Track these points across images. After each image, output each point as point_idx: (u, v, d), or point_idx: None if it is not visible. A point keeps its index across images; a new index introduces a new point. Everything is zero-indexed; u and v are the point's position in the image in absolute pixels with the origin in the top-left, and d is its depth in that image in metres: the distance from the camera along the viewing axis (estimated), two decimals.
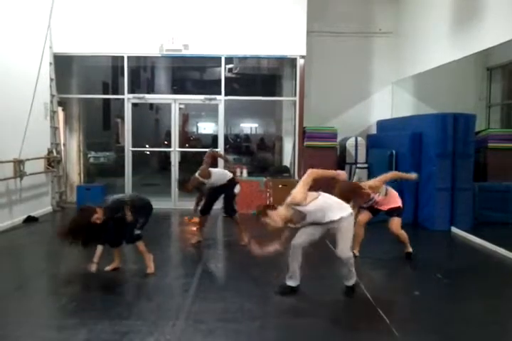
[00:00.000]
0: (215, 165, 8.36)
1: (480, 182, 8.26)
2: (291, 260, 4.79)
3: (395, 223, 6.03)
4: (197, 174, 6.67)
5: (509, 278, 5.71)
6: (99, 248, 5.24)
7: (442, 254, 6.91)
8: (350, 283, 4.83)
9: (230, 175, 6.97)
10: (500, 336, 4.11)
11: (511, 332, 4.34)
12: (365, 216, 6.14)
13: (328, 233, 4.73)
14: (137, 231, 5.37)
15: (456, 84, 9.59)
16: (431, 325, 4.17)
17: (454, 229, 7.83)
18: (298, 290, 4.84)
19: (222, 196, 7.01)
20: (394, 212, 6.05)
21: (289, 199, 4.50)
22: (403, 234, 6.07)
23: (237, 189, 6.99)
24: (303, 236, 4.72)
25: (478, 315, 4.51)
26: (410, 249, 6.17)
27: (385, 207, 6.07)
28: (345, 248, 4.63)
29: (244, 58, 11.24)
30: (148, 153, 14.47)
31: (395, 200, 6.08)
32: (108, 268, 5.51)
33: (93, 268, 5.14)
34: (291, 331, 4.13)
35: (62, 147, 10.16)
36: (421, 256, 6.25)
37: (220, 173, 6.95)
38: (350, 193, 5.38)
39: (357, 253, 6.08)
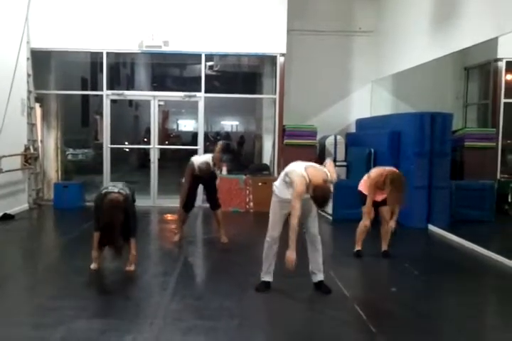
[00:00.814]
0: None
1: (457, 180, 8.36)
2: (267, 254, 4.81)
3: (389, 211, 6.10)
4: (211, 159, 6.68)
5: (485, 274, 5.81)
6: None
7: (419, 251, 6.98)
8: (320, 277, 4.84)
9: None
10: (476, 331, 4.18)
11: (487, 327, 4.43)
12: (372, 210, 6.10)
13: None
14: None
15: (434, 83, 9.69)
16: (408, 321, 4.23)
17: (431, 227, 7.93)
18: (272, 288, 4.87)
19: (203, 191, 6.98)
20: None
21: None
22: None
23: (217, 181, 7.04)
24: (277, 228, 4.73)
25: (454, 310, 4.59)
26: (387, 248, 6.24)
27: (379, 198, 6.09)
28: (315, 225, 4.77)
29: (224, 56, 11.23)
30: (127, 150, 14.37)
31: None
32: (94, 266, 5.40)
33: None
34: (270, 329, 4.15)
35: (40, 144, 10.02)
36: (398, 253, 6.31)
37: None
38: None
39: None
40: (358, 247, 6.24)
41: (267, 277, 4.88)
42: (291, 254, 4.43)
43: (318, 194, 4.38)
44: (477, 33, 6.86)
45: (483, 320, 4.53)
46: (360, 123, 10.72)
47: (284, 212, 4.70)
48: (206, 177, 6.72)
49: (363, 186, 6.20)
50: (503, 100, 8.74)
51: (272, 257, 4.82)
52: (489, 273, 5.85)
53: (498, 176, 8.70)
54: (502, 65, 8.76)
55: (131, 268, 5.39)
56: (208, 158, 6.78)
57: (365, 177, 6.22)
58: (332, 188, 4.76)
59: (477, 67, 9.76)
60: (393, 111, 9.92)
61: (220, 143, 7.23)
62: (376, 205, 6.09)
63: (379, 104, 10.71)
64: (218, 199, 7.03)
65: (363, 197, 6.10)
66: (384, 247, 6.23)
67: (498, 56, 8.63)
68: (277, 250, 4.80)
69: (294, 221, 4.44)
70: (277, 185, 4.83)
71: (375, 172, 6.10)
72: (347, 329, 4.14)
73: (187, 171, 6.69)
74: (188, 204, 6.88)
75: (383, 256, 6.18)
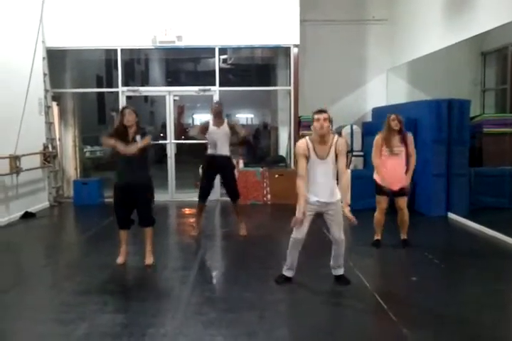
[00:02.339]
0: None
1: (475, 167, 8.26)
2: (291, 252, 4.81)
3: (405, 201, 6.10)
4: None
5: (507, 262, 5.74)
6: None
7: (439, 239, 6.93)
8: (340, 271, 4.87)
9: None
10: (499, 319, 4.14)
11: (510, 314, 4.38)
12: (385, 200, 6.10)
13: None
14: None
15: (450, 69, 9.55)
16: (429, 310, 4.21)
17: (451, 215, 7.87)
18: (292, 281, 4.89)
19: (221, 181, 6.97)
20: (406, 191, 6.08)
21: None
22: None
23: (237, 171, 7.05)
24: (301, 229, 4.73)
25: (477, 298, 4.54)
26: (406, 236, 6.22)
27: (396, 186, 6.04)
28: (340, 230, 4.73)
29: (238, 48, 11.20)
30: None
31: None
32: (120, 260, 5.54)
33: None
34: (291, 320, 4.17)
35: (58, 142, 10.14)
36: (418, 242, 6.28)
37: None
38: None
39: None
40: (376, 236, 6.23)
41: (288, 273, 4.90)
42: (299, 215, 4.50)
43: None
44: (493, 17, 6.74)
45: (506, 308, 4.49)
46: (377, 112, 10.63)
47: (308, 214, 4.69)
48: (222, 165, 6.72)
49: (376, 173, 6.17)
50: None
51: (295, 254, 4.82)
52: (511, 260, 5.79)
53: None
54: None
55: (150, 261, 5.48)
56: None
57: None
58: None
59: (494, 52, 9.58)
60: (409, 99, 9.81)
61: (214, 105, 7.08)
62: (393, 195, 6.05)
63: (395, 93, 10.61)
64: (237, 189, 6.96)
65: (377, 186, 6.08)
66: (403, 236, 6.21)
67: None
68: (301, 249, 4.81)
69: (300, 184, 4.53)
70: None
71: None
72: (368, 319, 4.14)
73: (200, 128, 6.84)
74: (203, 193, 6.85)
75: (403, 244, 6.16)
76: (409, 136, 6.07)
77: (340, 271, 4.88)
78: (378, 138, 6.08)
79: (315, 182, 4.62)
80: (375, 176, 6.14)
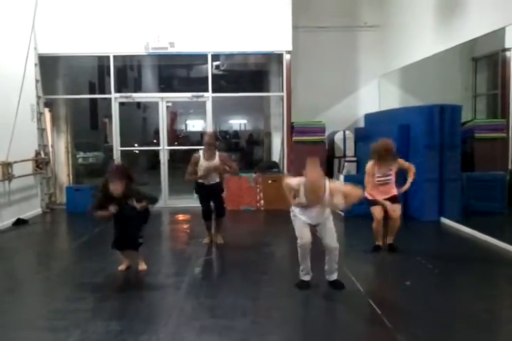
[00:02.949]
0: None
1: (468, 172, 8.31)
2: (303, 257, 4.82)
3: (398, 209, 6.12)
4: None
5: (499, 266, 5.75)
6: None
7: (432, 244, 6.95)
8: (334, 277, 4.88)
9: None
10: (490, 324, 4.14)
11: (501, 319, 4.39)
12: (380, 211, 6.10)
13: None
14: (140, 240, 5.42)
15: (442, 75, 9.62)
16: (423, 315, 4.21)
17: (443, 220, 7.89)
18: (286, 286, 4.91)
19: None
20: (397, 198, 6.15)
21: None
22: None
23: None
24: (305, 233, 4.75)
25: (469, 303, 4.55)
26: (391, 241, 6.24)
27: (393, 192, 6.11)
28: (333, 237, 4.76)
29: (230, 55, 11.22)
30: (137, 152, 14.43)
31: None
32: (121, 267, 5.52)
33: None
34: (284, 326, 4.15)
35: (50, 148, 10.11)
36: (411, 247, 6.29)
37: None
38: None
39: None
40: (377, 242, 6.23)
41: (306, 277, 4.91)
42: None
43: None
44: (484, 23, 6.81)
45: (498, 313, 4.50)
46: (369, 117, 10.68)
47: (303, 222, 4.75)
48: (213, 191, 6.67)
49: (368, 191, 6.18)
50: None
51: (307, 259, 4.84)
52: (503, 265, 5.79)
53: (510, 167, 8.61)
54: (510, 54, 8.66)
55: (143, 267, 5.48)
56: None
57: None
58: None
59: (485, 58, 9.67)
60: (401, 104, 9.87)
61: (207, 133, 7.04)
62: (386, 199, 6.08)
63: (387, 98, 10.66)
64: (224, 208, 6.88)
65: (369, 202, 6.12)
66: (389, 240, 6.21)
67: (506, 46, 8.55)
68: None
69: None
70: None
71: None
72: (362, 324, 4.14)
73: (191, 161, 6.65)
74: (205, 214, 6.81)
75: (389, 249, 6.18)
76: (397, 163, 6.11)
77: (334, 276, 4.88)
78: (369, 167, 6.10)
79: (306, 210, 4.73)
80: (366, 194, 6.16)
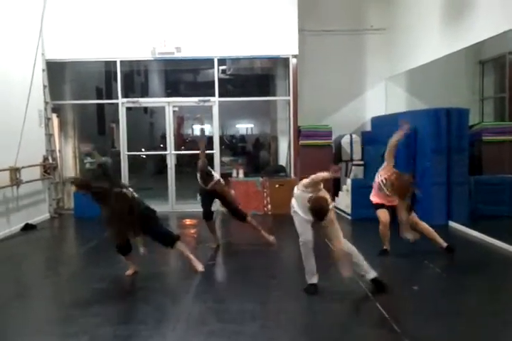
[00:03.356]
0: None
1: (476, 175, 8.27)
2: (306, 257, 4.80)
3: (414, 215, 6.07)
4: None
5: (507, 270, 5.73)
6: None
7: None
8: (372, 275, 4.80)
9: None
10: (500, 328, 4.11)
11: (510, 324, 4.36)
12: (386, 215, 6.06)
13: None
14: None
15: (448, 78, 9.60)
16: (431, 320, 4.19)
17: (452, 223, 7.86)
18: (294, 291, 4.89)
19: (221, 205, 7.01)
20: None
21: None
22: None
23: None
24: (307, 231, 4.72)
25: (477, 307, 4.53)
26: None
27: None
28: (340, 239, 4.71)
29: (236, 59, 11.25)
30: (144, 156, 14.47)
31: None
32: (128, 272, 5.53)
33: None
34: (293, 330, 4.15)
35: (58, 153, 10.15)
36: (419, 251, 6.26)
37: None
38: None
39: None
40: (384, 246, 6.20)
41: (313, 279, 4.86)
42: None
43: (313, 205, 4.44)
44: (490, 26, 6.78)
45: (507, 317, 4.46)
46: (376, 121, 10.66)
47: (306, 218, 4.71)
48: (216, 194, 6.72)
49: (374, 194, 6.16)
50: None
51: (311, 260, 4.81)
52: None
53: None
54: None
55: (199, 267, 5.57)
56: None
57: (376, 178, 6.13)
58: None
59: (492, 61, 9.65)
60: (408, 108, 9.84)
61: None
62: (391, 207, 6.04)
63: (394, 102, 10.64)
64: (239, 210, 6.89)
65: (375, 207, 6.09)
66: (442, 244, 6.15)
67: None
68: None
69: None
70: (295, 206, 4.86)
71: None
72: (371, 328, 4.12)
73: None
74: (205, 214, 6.83)
75: (447, 251, 6.10)
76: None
77: (372, 275, 4.79)
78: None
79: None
80: (372, 197, 6.14)
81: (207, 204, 6.84)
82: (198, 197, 7.20)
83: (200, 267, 5.55)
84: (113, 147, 14.17)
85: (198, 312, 4.41)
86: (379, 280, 4.81)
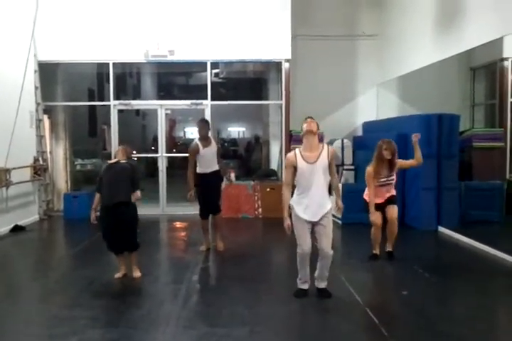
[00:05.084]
0: None
1: (465, 181, 8.33)
2: (302, 265, 4.81)
3: (396, 211, 6.11)
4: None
5: (496, 275, 5.76)
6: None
7: (430, 253, 6.95)
8: (323, 285, 4.87)
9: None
10: (487, 333, 4.14)
11: (498, 328, 4.39)
12: (378, 217, 6.10)
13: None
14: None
15: (440, 84, 9.67)
16: (420, 325, 4.21)
17: (441, 229, 7.89)
18: (283, 295, 4.89)
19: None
20: (395, 199, 6.16)
21: None
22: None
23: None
24: (305, 240, 4.72)
25: (466, 312, 4.55)
26: (391, 248, 6.24)
27: (392, 192, 6.14)
28: (329, 244, 4.73)
29: (229, 63, 11.26)
30: (135, 158, 14.38)
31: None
32: (118, 275, 5.52)
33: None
34: (282, 335, 4.15)
35: (49, 155, 10.11)
36: (408, 256, 6.29)
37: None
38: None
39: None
40: (374, 251, 6.22)
41: (304, 285, 4.90)
42: (285, 223, 4.70)
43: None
44: (482, 33, 6.84)
45: (495, 322, 4.50)
46: (367, 126, 10.71)
47: (302, 227, 4.72)
48: (213, 179, 6.73)
49: (366, 192, 6.20)
50: (510, 99, 8.71)
51: (306, 268, 4.82)
52: (500, 274, 5.80)
53: (507, 176, 8.64)
54: (508, 64, 8.73)
55: (138, 274, 5.50)
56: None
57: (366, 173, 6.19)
58: None
59: (483, 67, 9.74)
60: (399, 113, 9.90)
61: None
62: (381, 207, 6.08)
63: (385, 107, 10.70)
64: (219, 203, 6.91)
65: (366, 206, 6.12)
66: (389, 248, 6.22)
67: (504, 56, 8.62)
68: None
69: (284, 191, 4.79)
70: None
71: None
72: (360, 333, 4.13)
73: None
74: (204, 210, 6.80)
75: (388, 256, 6.18)
76: (396, 163, 6.10)
77: (323, 284, 4.87)
78: (370, 170, 6.05)
79: (305, 194, 4.67)
80: (365, 196, 6.17)
81: (206, 199, 6.78)
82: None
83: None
84: (104, 149, 14.10)
85: (188, 316, 4.40)
86: (327, 290, 4.87)
